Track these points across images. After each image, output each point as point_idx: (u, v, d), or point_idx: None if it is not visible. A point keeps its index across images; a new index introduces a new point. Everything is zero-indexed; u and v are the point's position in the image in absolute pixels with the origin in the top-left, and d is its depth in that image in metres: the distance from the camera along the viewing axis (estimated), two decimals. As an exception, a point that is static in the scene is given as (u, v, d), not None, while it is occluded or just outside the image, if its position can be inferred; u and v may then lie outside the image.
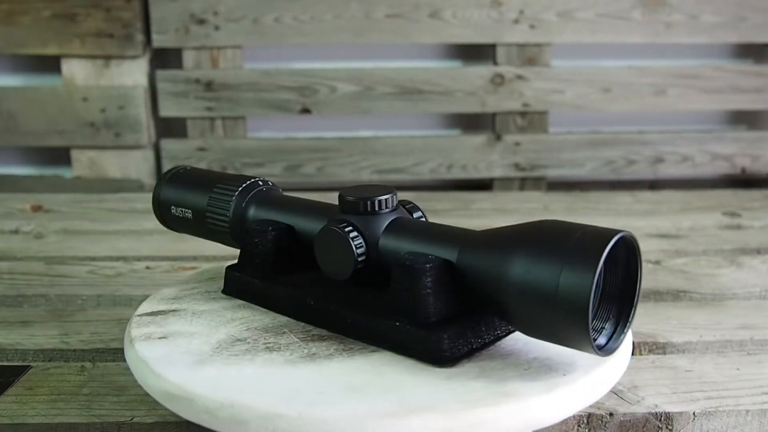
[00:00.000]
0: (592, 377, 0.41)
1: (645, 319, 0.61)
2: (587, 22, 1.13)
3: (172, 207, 0.56)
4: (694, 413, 0.48)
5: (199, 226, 0.55)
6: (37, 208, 0.99)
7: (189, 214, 0.56)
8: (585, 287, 0.37)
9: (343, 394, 0.40)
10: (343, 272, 0.46)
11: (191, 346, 0.45)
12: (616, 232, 0.39)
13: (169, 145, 1.14)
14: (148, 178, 1.14)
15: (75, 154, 1.13)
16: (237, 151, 1.14)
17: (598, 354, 0.39)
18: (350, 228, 0.46)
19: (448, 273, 0.43)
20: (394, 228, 0.47)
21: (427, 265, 0.43)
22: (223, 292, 0.54)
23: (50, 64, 1.11)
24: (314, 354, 0.44)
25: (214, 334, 0.47)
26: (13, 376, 0.52)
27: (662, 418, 0.48)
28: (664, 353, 0.57)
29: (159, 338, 0.46)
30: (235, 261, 0.54)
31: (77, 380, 0.52)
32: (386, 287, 0.45)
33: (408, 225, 0.47)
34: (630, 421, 0.47)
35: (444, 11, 1.12)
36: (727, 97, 1.17)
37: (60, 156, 1.15)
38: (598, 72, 1.15)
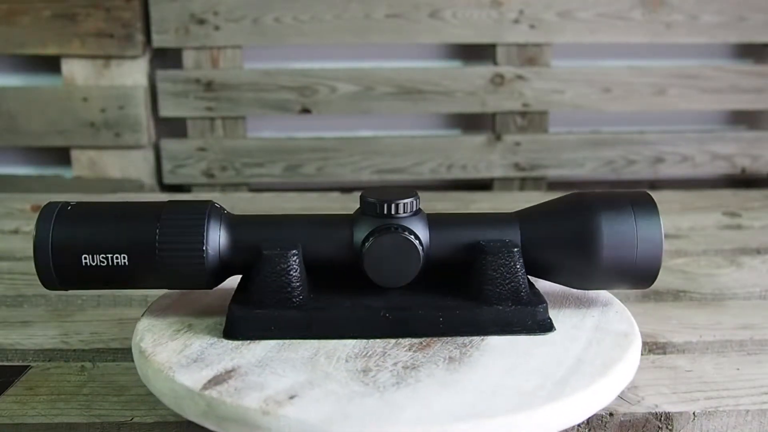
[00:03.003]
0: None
1: (645, 319, 0.61)
2: (587, 22, 1.13)
3: (84, 256, 0.44)
4: (694, 413, 0.48)
5: (141, 271, 0.44)
6: (37, 208, 0.99)
7: (122, 259, 0.44)
8: (657, 228, 0.45)
9: (541, 377, 0.41)
10: (403, 278, 0.45)
11: (341, 391, 0.39)
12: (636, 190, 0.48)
13: (169, 145, 1.14)
14: (148, 178, 1.14)
15: (75, 154, 1.13)
16: (237, 151, 1.14)
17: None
18: (407, 231, 0.45)
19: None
20: (439, 224, 0.47)
21: (516, 249, 0.46)
22: (236, 338, 0.45)
23: (50, 64, 1.11)
24: (451, 358, 0.43)
25: (334, 375, 0.41)
26: (13, 376, 0.52)
27: (662, 418, 0.48)
28: (664, 353, 0.57)
29: (290, 397, 0.39)
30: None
31: (77, 380, 0.52)
32: (437, 280, 0.47)
33: (451, 219, 0.48)
34: (630, 421, 0.47)
35: (444, 11, 1.12)
36: (727, 97, 1.17)
37: (60, 156, 1.15)
38: (598, 72, 1.15)
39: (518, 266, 0.46)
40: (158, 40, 1.10)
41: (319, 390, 0.39)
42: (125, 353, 0.56)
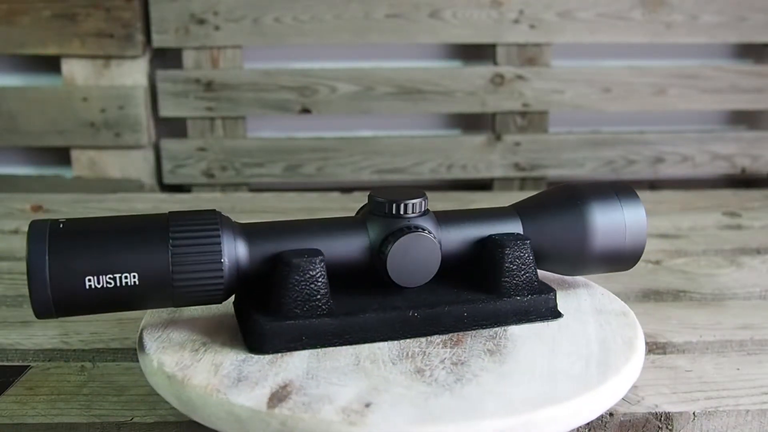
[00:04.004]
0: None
1: (645, 319, 0.61)
2: (587, 22, 1.13)
3: (88, 278, 0.40)
4: (694, 413, 0.48)
5: (152, 290, 0.41)
6: (37, 208, 0.99)
7: (131, 278, 0.40)
8: (641, 211, 0.49)
9: (582, 359, 0.43)
10: (424, 277, 0.46)
11: (411, 393, 0.39)
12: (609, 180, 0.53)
13: (169, 145, 1.14)
14: (148, 178, 1.14)
15: (75, 154, 1.13)
16: (237, 151, 1.14)
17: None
18: (426, 230, 0.46)
19: None
20: (448, 221, 0.48)
21: (528, 240, 0.48)
22: (267, 352, 0.43)
23: (50, 64, 1.11)
24: (490, 351, 0.44)
25: (393, 379, 0.41)
26: (13, 376, 0.52)
27: (662, 418, 0.48)
28: (664, 353, 0.57)
29: (366, 405, 0.38)
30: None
31: (77, 380, 0.52)
32: (451, 276, 0.48)
33: (457, 215, 0.49)
34: (630, 421, 0.47)
35: (444, 11, 1.12)
36: (727, 97, 1.17)
37: (60, 156, 1.15)
38: (598, 72, 1.15)
39: (531, 257, 0.48)
40: (158, 40, 1.10)
41: (389, 395, 0.39)
42: (125, 353, 0.56)
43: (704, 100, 1.17)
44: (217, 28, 1.10)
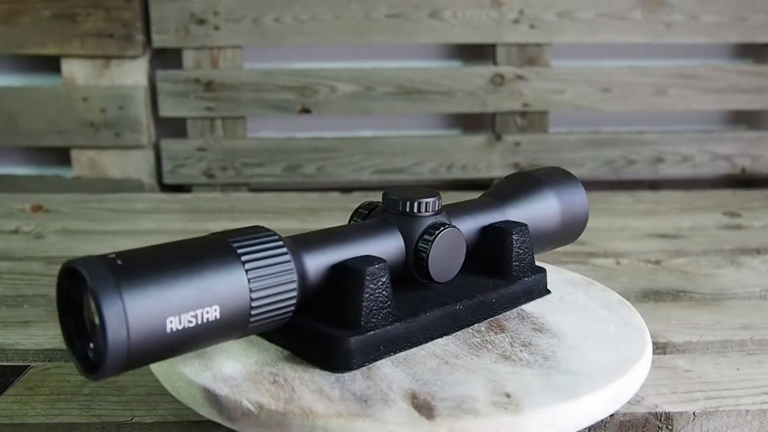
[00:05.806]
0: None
1: (645, 319, 0.61)
2: (587, 22, 1.13)
3: (170, 319, 0.35)
4: (694, 413, 0.48)
5: (231, 322, 0.37)
6: (37, 208, 0.99)
7: (213, 312, 0.36)
8: (581, 190, 0.56)
9: (610, 323, 0.48)
10: (454, 270, 0.47)
11: (526, 379, 0.40)
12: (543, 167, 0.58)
13: (169, 145, 1.14)
14: (148, 178, 1.14)
15: (75, 154, 1.13)
16: (237, 151, 1.14)
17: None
18: (454, 226, 0.47)
19: None
20: (455, 215, 0.50)
21: (527, 226, 0.50)
22: (352, 368, 0.41)
23: (50, 64, 1.11)
24: (537, 329, 0.47)
25: (495, 369, 0.42)
26: (13, 376, 0.52)
27: (662, 418, 0.48)
28: (664, 353, 0.57)
29: (507, 396, 0.39)
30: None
31: (77, 380, 0.52)
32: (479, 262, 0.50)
33: (458, 208, 0.51)
34: (630, 421, 0.47)
35: (444, 11, 1.12)
36: (727, 97, 1.17)
37: (60, 156, 1.15)
38: (598, 72, 1.15)
39: (530, 241, 0.51)
40: (158, 40, 1.10)
41: (511, 383, 0.40)
42: (125, 353, 0.56)
43: (704, 100, 1.17)
44: (217, 28, 1.10)
